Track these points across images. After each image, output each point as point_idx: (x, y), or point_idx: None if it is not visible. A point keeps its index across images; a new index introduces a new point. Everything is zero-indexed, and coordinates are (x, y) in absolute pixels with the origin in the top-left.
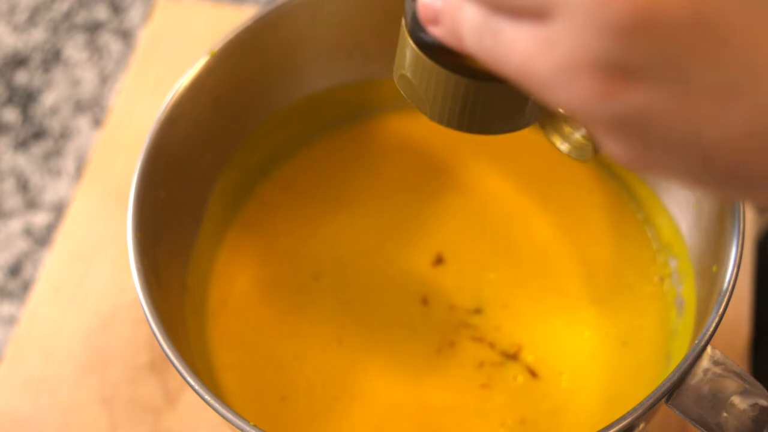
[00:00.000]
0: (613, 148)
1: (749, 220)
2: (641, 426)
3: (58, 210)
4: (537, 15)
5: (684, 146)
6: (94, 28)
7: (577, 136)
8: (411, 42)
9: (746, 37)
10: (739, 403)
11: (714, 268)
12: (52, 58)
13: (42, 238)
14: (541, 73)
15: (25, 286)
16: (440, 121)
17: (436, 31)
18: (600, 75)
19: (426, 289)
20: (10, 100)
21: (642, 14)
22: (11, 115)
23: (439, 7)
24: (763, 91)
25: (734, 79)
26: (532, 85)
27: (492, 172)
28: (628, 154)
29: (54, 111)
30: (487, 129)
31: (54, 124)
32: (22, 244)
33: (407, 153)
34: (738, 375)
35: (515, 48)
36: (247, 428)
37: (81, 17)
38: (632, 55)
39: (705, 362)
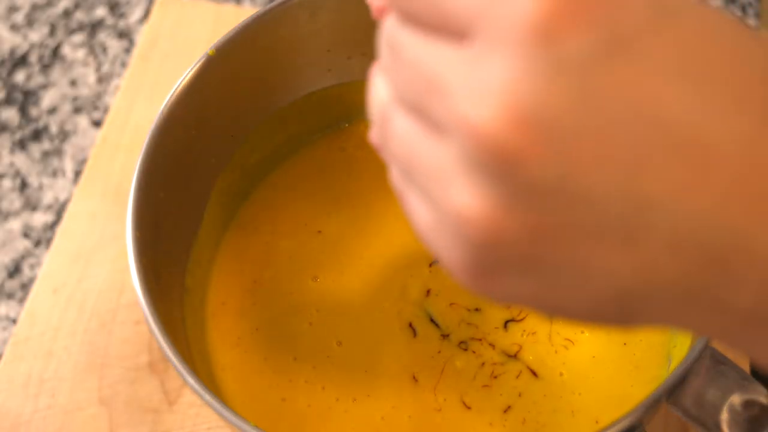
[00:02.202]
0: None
1: None
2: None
3: (57, 210)
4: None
5: (551, 313)
6: (92, 27)
7: None
8: None
9: (580, 248)
10: (739, 403)
11: None
12: (51, 57)
13: (41, 238)
14: (429, 244)
15: (24, 287)
16: None
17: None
18: (468, 273)
19: (426, 288)
20: (8, 100)
21: (491, 237)
22: (10, 114)
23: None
24: (593, 284)
25: (575, 274)
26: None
27: None
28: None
29: (53, 110)
30: None
31: (53, 124)
32: (20, 244)
33: None
34: (738, 375)
35: (415, 218)
36: (247, 428)
37: (80, 16)
38: (492, 263)
39: (705, 362)
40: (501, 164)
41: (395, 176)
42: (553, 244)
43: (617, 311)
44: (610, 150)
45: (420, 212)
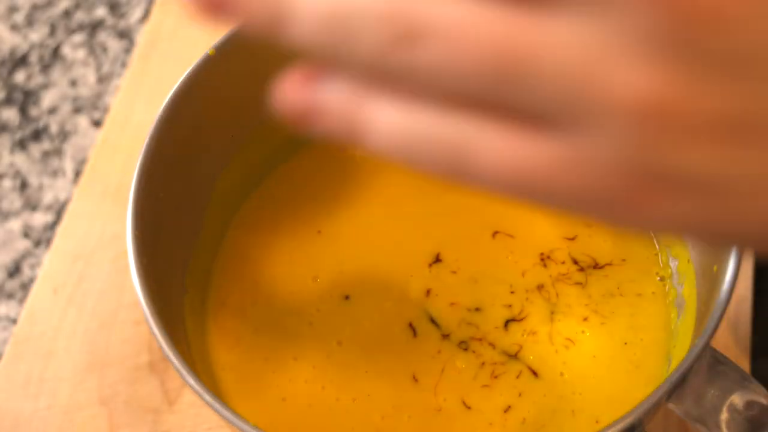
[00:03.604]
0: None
1: None
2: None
3: (57, 210)
4: (546, 123)
5: (719, 236)
6: (92, 28)
7: None
8: None
9: None
10: (739, 403)
11: (714, 268)
12: (51, 57)
13: (41, 239)
14: (564, 191)
15: (24, 287)
16: None
17: (315, 128)
18: (632, 192)
19: (426, 288)
20: (8, 100)
21: (668, 123)
22: (10, 114)
23: (315, 100)
24: None
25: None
26: (541, 202)
27: None
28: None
29: (53, 110)
30: None
31: (53, 124)
32: (20, 245)
33: None
34: (738, 375)
35: (511, 164)
36: (247, 428)
37: (80, 16)
38: (664, 166)
39: (705, 362)
40: (683, 24)
41: (403, 127)
42: (740, 137)
43: None
44: None
45: (531, 152)
